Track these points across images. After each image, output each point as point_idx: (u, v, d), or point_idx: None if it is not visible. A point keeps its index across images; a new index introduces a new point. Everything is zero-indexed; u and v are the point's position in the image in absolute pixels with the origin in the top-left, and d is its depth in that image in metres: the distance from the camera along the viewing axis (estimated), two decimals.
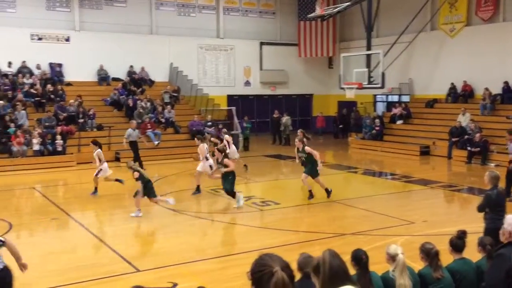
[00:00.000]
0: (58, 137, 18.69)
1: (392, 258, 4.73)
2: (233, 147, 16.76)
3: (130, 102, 22.16)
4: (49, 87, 21.66)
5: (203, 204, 12.91)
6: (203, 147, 13.28)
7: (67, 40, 23.80)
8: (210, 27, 27.52)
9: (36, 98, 20.89)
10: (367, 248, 5.12)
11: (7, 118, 18.86)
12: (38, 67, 22.81)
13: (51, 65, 23.29)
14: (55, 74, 23.15)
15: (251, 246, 8.65)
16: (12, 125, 18.62)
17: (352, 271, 4.01)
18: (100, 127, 20.55)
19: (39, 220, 11.14)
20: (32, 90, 21.15)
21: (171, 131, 21.97)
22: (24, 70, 22.39)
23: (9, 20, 22.45)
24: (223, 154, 11.73)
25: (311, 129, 30.13)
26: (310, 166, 12.24)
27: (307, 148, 12.29)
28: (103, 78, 24.27)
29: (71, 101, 21.17)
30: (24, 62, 22.50)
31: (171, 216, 11.38)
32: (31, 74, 22.38)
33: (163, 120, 22.02)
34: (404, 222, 10.35)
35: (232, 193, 11.82)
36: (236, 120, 24.35)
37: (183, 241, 9.25)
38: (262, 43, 28.81)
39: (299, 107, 30.32)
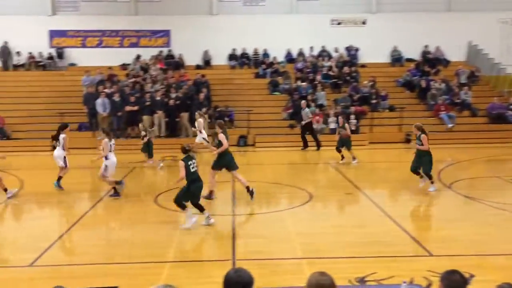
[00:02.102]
0: (352, 116, 19.48)
1: None
2: (204, 133, 14.93)
3: (423, 83, 21.57)
4: (346, 69, 22.78)
5: (500, 194, 11.65)
6: (107, 143, 11.16)
7: (363, 23, 24.51)
8: None
9: (333, 80, 22.27)
10: None
11: (309, 98, 20.66)
12: (336, 51, 24.23)
13: (348, 48, 24.41)
14: (351, 56, 24.18)
15: None
16: (312, 104, 20.33)
17: None
18: (392, 108, 20.62)
19: (333, 193, 11.84)
20: (330, 72, 22.63)
21: (467, 114, 20.54)
22: (323, 54, 24.14)
23: (313, 7, 24.37)
24: None
25: None
26: (220, 158, 10.60)
27: (221, 136, 10.57)
28: (397, 59, 24.25)
29: (365, 82, 21.86)
30: (323, 46, 24.18)
31: (464, 204, 10.71)
32: (330, 57, 23.95)
33: (458, 101, 20.72)
34: None
35: None
36: None
37: (480, 232, 8.50)
38: None
39: None
